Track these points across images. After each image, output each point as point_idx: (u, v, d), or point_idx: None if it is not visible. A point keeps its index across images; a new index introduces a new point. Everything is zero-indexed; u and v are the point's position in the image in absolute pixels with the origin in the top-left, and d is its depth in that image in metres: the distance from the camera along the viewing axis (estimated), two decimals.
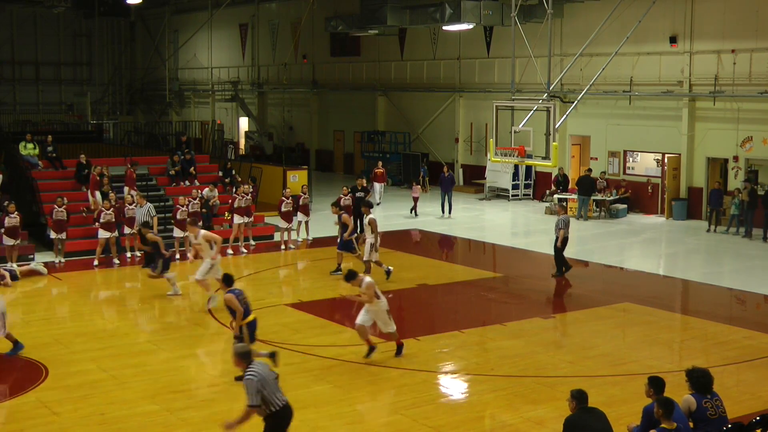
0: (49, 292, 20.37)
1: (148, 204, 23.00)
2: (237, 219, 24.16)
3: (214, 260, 17.70)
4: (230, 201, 24.65)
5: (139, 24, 56.48)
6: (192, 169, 27.53)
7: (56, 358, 14.40)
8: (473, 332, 16.33)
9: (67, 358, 14.24)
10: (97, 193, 24.56)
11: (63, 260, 22.43)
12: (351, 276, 14.27)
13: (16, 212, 22.04)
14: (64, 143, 28.05)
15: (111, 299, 20.01)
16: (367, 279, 14.36)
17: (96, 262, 22.17)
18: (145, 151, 32.35)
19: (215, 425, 11.65)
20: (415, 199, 30.85)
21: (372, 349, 14.56)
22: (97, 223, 22.36)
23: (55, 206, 22.55)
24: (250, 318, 13.61)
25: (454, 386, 13.70)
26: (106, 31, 56.31)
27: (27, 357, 14.57)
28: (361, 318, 14.55)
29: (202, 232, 18.17)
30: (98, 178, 24.89)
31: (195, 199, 23.78)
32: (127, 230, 22.93)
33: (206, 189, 25.50)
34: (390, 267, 20.47)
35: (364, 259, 20.19)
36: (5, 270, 20.44)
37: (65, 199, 23.03)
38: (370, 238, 20.02)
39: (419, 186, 31.74)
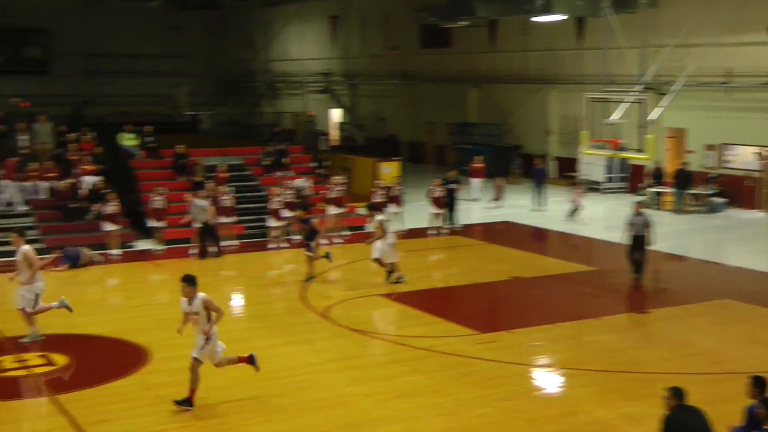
0: (151, 279, 20.94)
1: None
2: (330, 210, 24.42)
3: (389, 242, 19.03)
4: (322, 192, 24.91)
5: (231, 16, 57.37)
6: (285, 159, 27.91)
7: (159, 342, 14.81)
8: (567, 326, 16.19)
9: (169, 342, 14.64)
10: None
11: (163, 247, 22.94)
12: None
13: (115, 200, 22.71)
14: (160, 134, 28.75)
15: (209, 285, 20.41)
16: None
17: (193, 251, 22.64)
18: (238, 142, 32.91)
19: (310, 412, 11.87)
20: (499, 188, 30.81)
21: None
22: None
23: (154, 195, 23.16)
24: None
25: (547, 380, 13.62)
26: (200, 23, 57.35)
27: (131, 340, 15.04)
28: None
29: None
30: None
31: (288, 189, 24.13)
32: (224, 219, 23.35)
33: (300, 179, 25.84)
34: (401, 276, 19.53)
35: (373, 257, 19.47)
36: (91, 253, 21.19)
37: (164, 188, 23.63)
38: (383, 240, 19.26)
39: (504, 179, 31.65)
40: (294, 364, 14.11)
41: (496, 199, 30.87)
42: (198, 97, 53.10)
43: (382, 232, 19.14)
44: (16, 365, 13.87)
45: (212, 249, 22.47)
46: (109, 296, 19.96)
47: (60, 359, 14.11)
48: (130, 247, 23.16)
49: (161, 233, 23.16)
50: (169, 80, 53.72)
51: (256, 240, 24.07)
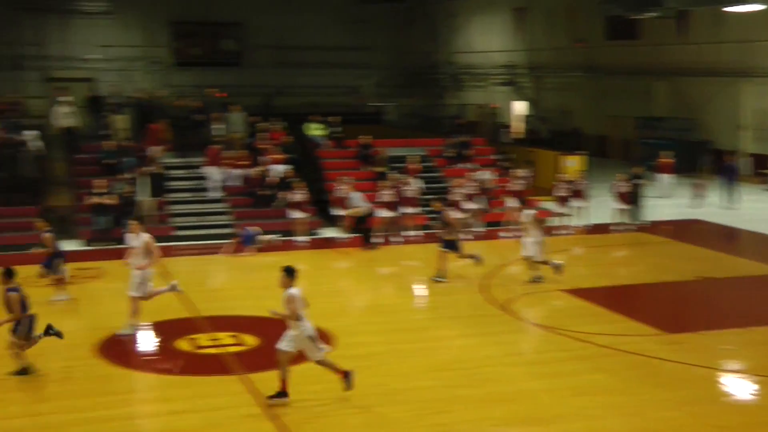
0: (335, 266, 21.49)
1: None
2: (510, 202, 24.28)
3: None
4: (505, 184, 24.80)
5: (417, 9, 57.86)
6: (468, 151, 27.96)
7: (343, 328, 15.19)
8: (762, 331, 15.44)
9: (353, 329, 15.00)
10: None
11: (348, 235, 23.45)
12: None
13: (303, 189, 23.44)
14: (346, 125, 29.42)
15: (392, 275, 20.78)
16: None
17: (377, 240, 23.03)
18: (422, 134, 33.22)
19: (490, 405, 11.87)
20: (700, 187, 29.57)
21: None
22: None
23: (339, 184, 23.74)
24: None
25: (739, 386, 13.04)
26: (386, 16, 58.15)
27: (317, 326, 15.51)
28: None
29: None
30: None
31: (471, 181, 24.17)
32: (408, 209, 23.64)
33: (483, 171, 25.83)
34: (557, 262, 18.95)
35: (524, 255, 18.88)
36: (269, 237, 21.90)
37: (349, 177, 24.19)
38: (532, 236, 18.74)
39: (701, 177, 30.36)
40: (474, 356, 14.14)
41: (699, 197, 29.52)
42: (383, 89, 53.94)
43: (534, 227, 18.74)
44: (211, 343, 14.60)
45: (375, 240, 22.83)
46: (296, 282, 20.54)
47: (250, 340, 14.72)
48: (316, 234, 23.85)
49: (345, 221, 23.74)
50: (355, 72, 54.83)
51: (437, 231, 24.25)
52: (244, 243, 21.79)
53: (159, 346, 14.90)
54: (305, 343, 11.73)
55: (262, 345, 14.43)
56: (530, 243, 18.68)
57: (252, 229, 22.14)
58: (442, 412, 11.66)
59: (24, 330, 12.76)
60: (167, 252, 21.65)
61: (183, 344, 14.51)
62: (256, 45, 51.48)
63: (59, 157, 26.51)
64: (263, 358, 13.66)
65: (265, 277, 19.38)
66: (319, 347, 11.92)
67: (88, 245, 22.35)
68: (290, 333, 11.76)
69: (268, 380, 12.32)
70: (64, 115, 25.46)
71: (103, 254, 21.57)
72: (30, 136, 24.09)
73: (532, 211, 19.48)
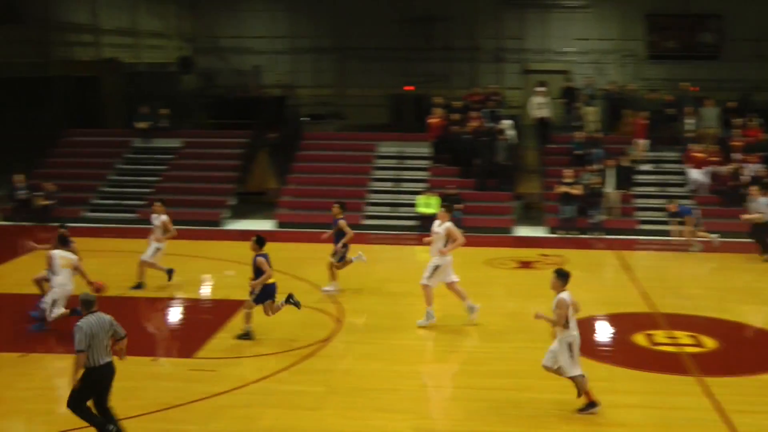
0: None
1: None
2: None
3: None
4: None
5: None
6: None
7: None
8: None
9: None
10: None
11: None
12: None
13: None
14: None
15: None
16: None
17: None
18: None
19: None
20: None
21: None
22: None
23: None
24: (271, 281, 14.01)
25: None
26: None
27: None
28: None
29: None
30: None
31: None
32: None
33: None
34: None
35: None
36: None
37: None
38: None
39: None
40: None
41: None
42: None
43: None
44: (667, 341, 14.37)
45: None
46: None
47: (709, 342, 14.24)
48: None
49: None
50: None
51: None
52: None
53: (615, 337, 15.01)
54: (563, 352, 11.08)
55: (721, 349, 13.91)
56: None
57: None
58: None
59: (261, 297, 13.98)
60: (628, 245, 21.72)
61: (639, 338, 14.46)
62: (735, 38, 49.06)
63: (531, 146, 27.69)
64: (722, 363, 13.18)
65: (729, 277, 18.62)
66: (575, 363, 11.12)
67: (553, 232, 23.10)
68: (554, 345, 11.18)
69: (727, 386, 11.85)
70: (539, 106, 26.48)
71: (567, 242, 22.21)
72: (506, 125, 25.43)
73: None
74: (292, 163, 26.35)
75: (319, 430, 10.87)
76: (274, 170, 26.47)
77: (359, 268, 18.83)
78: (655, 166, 25.53)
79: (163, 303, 16.43)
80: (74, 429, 10.63)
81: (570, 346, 11.09)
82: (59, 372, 12.61)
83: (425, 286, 14.96)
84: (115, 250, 20.50)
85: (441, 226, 14.98)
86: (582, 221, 22.92)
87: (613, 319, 15.65)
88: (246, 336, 14.05)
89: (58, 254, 14.26)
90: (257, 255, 13.98)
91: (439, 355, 13.60)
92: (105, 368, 10.08)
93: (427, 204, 23.07)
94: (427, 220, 22.87)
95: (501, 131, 24.80)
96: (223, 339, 14.25)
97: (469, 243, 21.85)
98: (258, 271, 13.97)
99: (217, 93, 45.76)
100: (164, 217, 17.24)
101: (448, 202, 23.08)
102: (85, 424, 10.17)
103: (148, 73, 43.45)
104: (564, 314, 11.00)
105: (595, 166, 23.90)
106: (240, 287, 16.52)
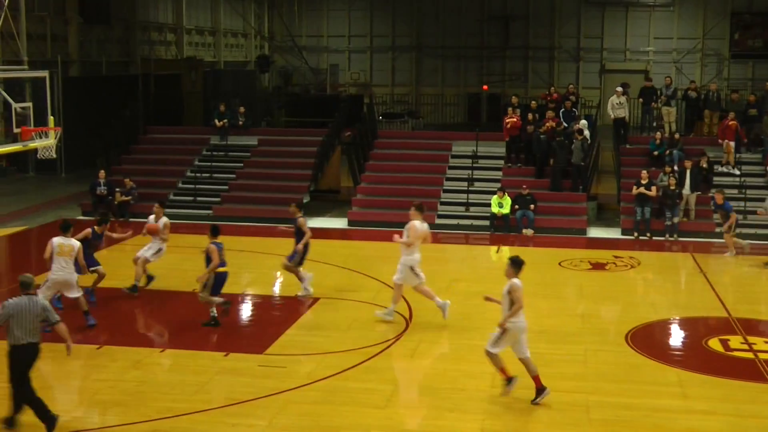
0: None
1: None
2: None
3: None
4: None
5: None
6: None
7: None
8: None
9: None
10: None
11: None
12: None
13: None
14: None
15: None
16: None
17: None
18: None
19: None
20: None
21: None
22: None
23: None
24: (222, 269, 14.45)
25: None
26: None
27: None
28: None
29: None
30: None
31: None
32: None
33: None
34: None
35: None
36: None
37: None
38: None
39: None
40: None
41: None
42: None
43: None
44: (743, 347, 14.05)
45: None
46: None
47: None
48: None
49: None
50: None
51: None
52: None
53: (688, 342, 14.74)
54: (515, 337, 11.56)
55: None
56: None
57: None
58: None
59: (210, 285, 14.37)
60: (705, 248, 21.27)
61: (714, 343, 14.18)
62: None
63: (608, 146, 27.32)
64: None
65: None
66: (499, 343, 11.62)
67: (628, 234, 22.75)
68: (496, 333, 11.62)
69: None
70: (617, 106, 26.12)
71: (641, 244, 21.89)
72: (582, 125, 25.15)
73: None
74: (366, 161, 26.48)
75: (386, 429, 10.93)
76: (349, 169, 26.63)
77: (429, 267, 18.82)
78: (735, 167, 24.93)
79: (236, 299, 16.68)
80: (146, 421, 10.90)
81: (503, 331, 11.59)
82: (133, 364, 12.93)
83: (398, 286, 15.01)
84: (191, 246, 20.84)
85: (422, 225, 14.89)
86: (658, 223, 22.53)
87: (687, 323, 15.38)
88: (214, 323, 14.63)
89: (57, 241, 14.25)
90: (210, 243, 14.39)
91: (508, 355, 13.51)
92: (27, 348, 10.47)
93: (501, 204, 22.96)
94: (499, 220, 22.82)
95: (578, 131, 24.54)
96: (294, 335, 14.42)
97: (541, 243, 21.94)
98: (209, 260, 14.40)
99: (294, 91, 46.29)
100: (165, 219, 16.86)
101: (520, 201, 23.01)
102: (156, 415, 10.41)
103: (227, 72, 44.20)
104: (520, 297, 11.45)
105: (672, 168, 23.46)
106: (315, 285, 16.73)
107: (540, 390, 11.60)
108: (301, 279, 16.59)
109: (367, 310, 15.71)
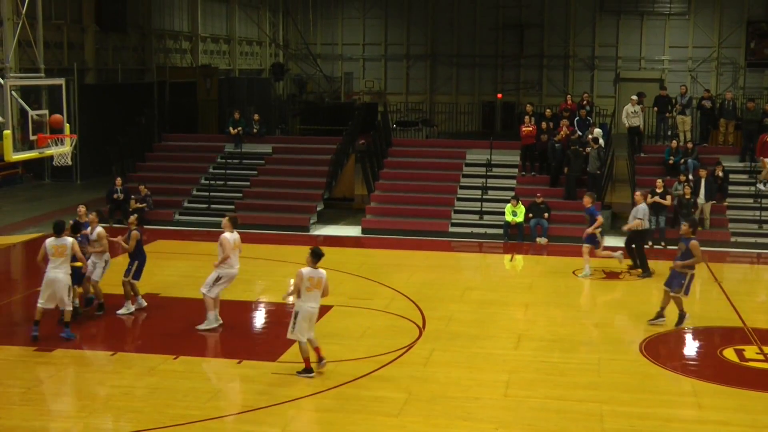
0: None
1: None
2: None
3: None
4: None
5: None
6: None
7: None
8: None
9: None
10: None
11: None
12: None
13: None
14: None
15: None
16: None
17: None
18: None
19: None
20: None
21: None
22: None
23: None
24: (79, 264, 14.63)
25: None
26: None
27: None
28: None
29: None
30: None
31: None
32: None
33: None
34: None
35: None
36: None
37: None
38: None
39: None
40: None
41: None
42: None
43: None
44: (758, 357, 13.98)
45: None
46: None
47: None
48: None
49: None
50: None
51: None
52: None
53: (703, 351, 14.67)
54: (292, 317, 12.66)
55: None
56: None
57: None
58: None
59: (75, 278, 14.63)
60: (720, 258, 21.18)
61: (729, 353, 14.11)
62: None
63: (622, 155, 27.25)
64: None
65: None
66: (298, 330, 12.59)
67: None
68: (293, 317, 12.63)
69: None
70: (631, 115, 26.04)
71: (656, 253, 21.79)
72: (597, 133, 25.08)
73: None
74: (380, 169, 26.50)
75: None
76: (363, 177, 26.65)
77: (443, 275, 18.92)
78: (750, 176, 24.83)
79: (249, 307, 16.71)
80: (160, 428, 10.93)
81: (296, 315, 12.60)
82: (147, 371, 12.96)
83: (204, 295, 14.89)
84: (205, 254, 20.91)
85: (232, 236, 14.84)
86: (672, 232, 22.43)
87: (702, 332, 15.31)
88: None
89: (50, 243, 14.19)
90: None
91: (521, 364, 13.50)
92: None
93: (515, 213, 22.93)
94: (513, 229, 22.78)
95: (593, 140, 24.49)
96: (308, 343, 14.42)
97: (555, 252, 21.87)
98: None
99: (308, 99, 46.40)
100: (99, 230, 15.77)
101: (534, 210, 22.96)
102: (170, 422, 10.41)
103: (242, 79, 44.35)
104: (297, 284, 12.55)
105: (686, 177, 23.38)
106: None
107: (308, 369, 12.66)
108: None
109: (381, 318, 15.71)
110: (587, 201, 19.53)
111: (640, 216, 19.26)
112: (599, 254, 19.25)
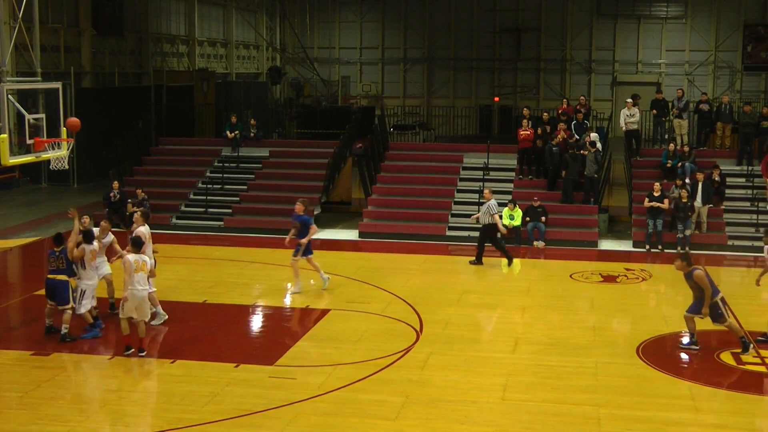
0: None
1: None
2: None
3: None
4: None
5: None
6: None
7: None
8: None
9: None
10: None
11: None
12: None
13: None
14: None
15: None
16: None
17: None
18: None
19: None
20: None
21: None
22: None
23: None
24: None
25: None
26: None
27: None
28: None
29: None
30: None
31: None
32: None
33: None
34: None
35: None
36: None
37: None
38: None
39: None
40: None
41: None
42: None
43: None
44: (755, 361, 13.98)
45: None
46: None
47: None
48: None
49: None
50: None
51: None
52: None
53: (699, 355, 14.66)
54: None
55: None
56: None
57: None
58: None
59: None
60: (717, 261, 21.20)
61: (726, 357, 14.11)
62: None
63: (620, 158, 27.26)
64: None
65: None
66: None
67: (640, 247, 22.68)
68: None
69: None
70: (628, 118, 26.06)
71: (653, 257, 21.82)
72: (594, 137, 25.09)
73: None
74: (377, 173, 26.51)
75: None
76: (360, 180, 26.65)
77: (440, 279, 18.91)
78: (747, 180, 24.86)
79: (247, 310, 16.70)
80: None
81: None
82: (144, 375, 12.95)
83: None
84: (202, 257, 20.95)
85: (146, 229, 15.41)
86: (669, 236, 22.47)
87: (699, 336, 15.23)
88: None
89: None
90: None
91: (518, 367, 13.50)
92: None
93: (512, 216, 22.93)
94: (511, 232, 22.78)
95: (590, 143, 24.51)
96: (305, 347, 14.42)
97: (553, 256, 21.89)
98: None
99: (305, 103, 46.42)
100: (112, 237, 16.06)
101: (531, 213, 22.98)
102: (167, 426, 10.39)
103: (239, 83, 44.35)
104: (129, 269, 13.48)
105: (683, 180, 23.41)
106: (328, 296, 16.75)
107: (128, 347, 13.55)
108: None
109: (378, 321, 15.71)
110: (299, 209, 17.75)
111: (493, 211, 20.46)
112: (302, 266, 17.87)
